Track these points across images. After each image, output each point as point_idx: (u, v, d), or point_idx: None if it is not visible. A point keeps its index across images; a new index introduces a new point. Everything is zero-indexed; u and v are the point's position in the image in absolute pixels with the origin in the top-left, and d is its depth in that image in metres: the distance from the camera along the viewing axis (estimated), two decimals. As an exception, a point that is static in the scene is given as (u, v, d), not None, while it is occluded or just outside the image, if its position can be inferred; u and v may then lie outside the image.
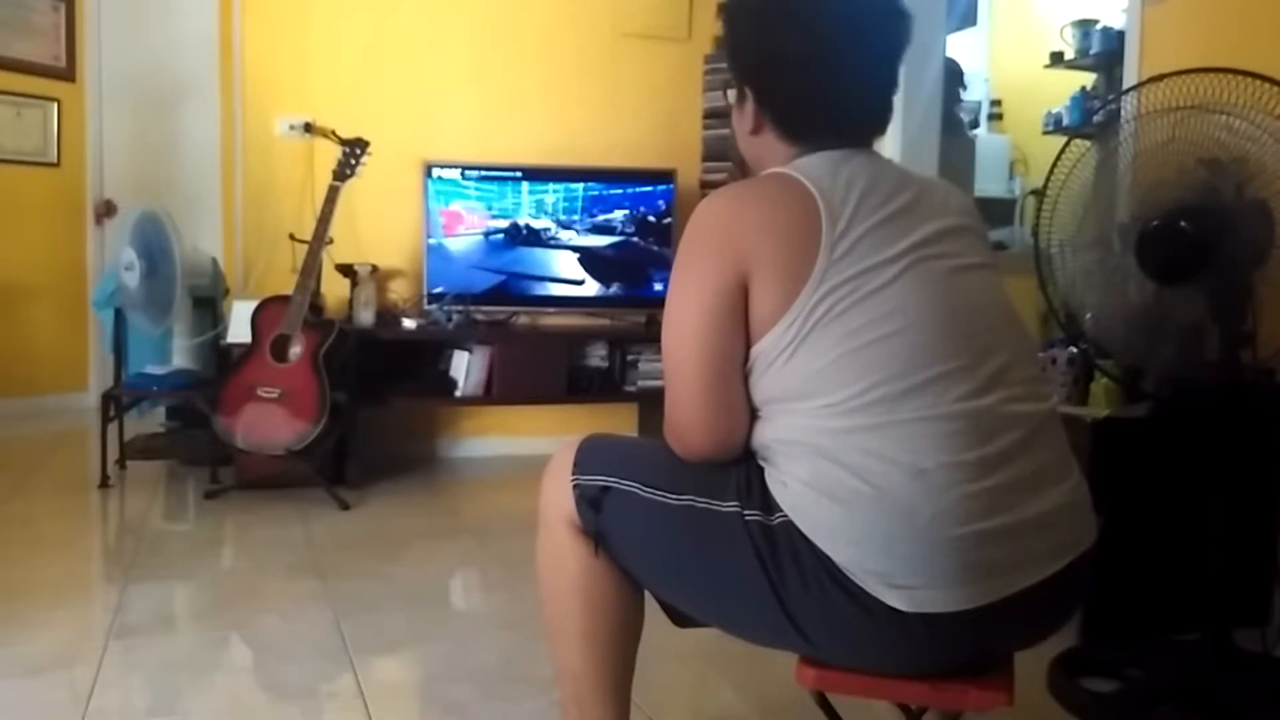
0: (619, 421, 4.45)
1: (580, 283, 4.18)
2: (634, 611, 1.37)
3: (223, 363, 3.71)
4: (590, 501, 1.31)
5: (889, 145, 3.45)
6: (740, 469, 1.24)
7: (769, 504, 1.19)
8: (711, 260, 1.21)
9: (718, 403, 1.22)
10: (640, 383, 4.19)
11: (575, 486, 1.32)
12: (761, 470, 1.22)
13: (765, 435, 1.22)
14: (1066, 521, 1.19)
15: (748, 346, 1.21)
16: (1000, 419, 1.16)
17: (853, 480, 1.12)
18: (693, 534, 1.23)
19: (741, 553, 1.19)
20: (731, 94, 1.38)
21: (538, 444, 4.09)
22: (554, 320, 4.23)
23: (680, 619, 1.40)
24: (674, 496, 1.25)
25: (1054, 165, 2.07)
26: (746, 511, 1.19)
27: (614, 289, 4.21)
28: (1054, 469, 1.19)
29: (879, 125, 1.34)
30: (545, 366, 4.00)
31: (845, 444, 1.14)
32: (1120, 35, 3.79)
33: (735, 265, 1.19)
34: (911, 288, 1.17)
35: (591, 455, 1.35)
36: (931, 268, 1.20)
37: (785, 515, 1.17)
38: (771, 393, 1.20)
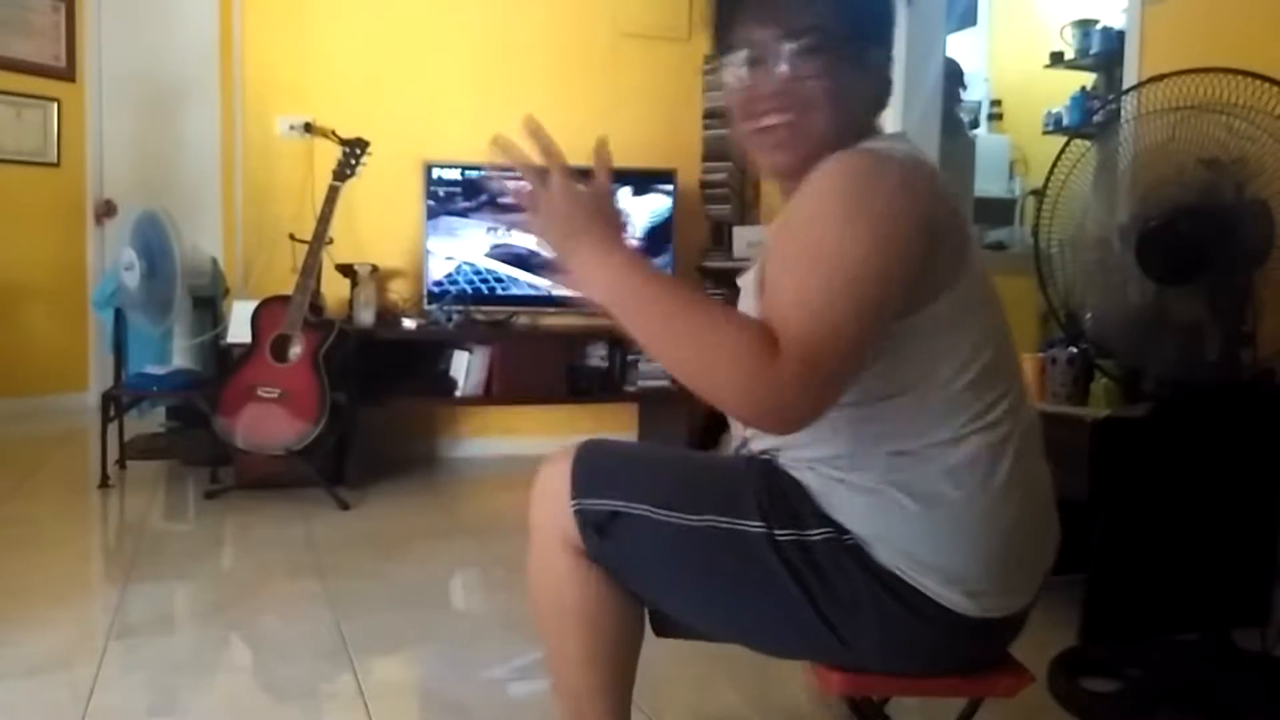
0: (619, 422, 4.45)
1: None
2: (636, 629, 1.30)
3: (223, 363, 3.71)
4: (596, 527, 1.21)
5: (889, 145, 3.44)
6: (751, 482, 1.18)
7: (801, 518, 1.14)
8: (906, 212, 1.05)
9: (861, 362, 1.03)
10: (640, 383, 4.20)
11: (578, 512, 1.21)
12: (783, 481, 1.17)
13: (853, 433, 1.12)
14: (1055, 517, 1.24)
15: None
16: (1031, 421, 1.19)
17: (938, 483, 1.10)
18: (716, 556, 1.16)
19: (774, 573, 1.14)
20: (828, 57, 1.16)
21: (538, 444, 4.09)
22: (554, 320, 4.23)
23: (663, 630, 1.36)
24: (693, 517, 1.17)
25: (1054, 165, 2.07)
26: (777, 531, 1.14)
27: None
28: (1044, 464, 1.23)
29: None
30: (545, 366, 4.00)
31: (940, 444, 1.10)
32: (1120, 35, 3.79)
33: (926, 227, 1.07)
34: (992, 293, 1.18)
35: (592, 475, 1.23)
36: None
37: (829, 529, 1.13)
38: (900, 378, 1.10)
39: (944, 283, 1.08)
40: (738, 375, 0.97)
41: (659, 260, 4.20)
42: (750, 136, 1.21)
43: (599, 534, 1.20)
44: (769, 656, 1.28)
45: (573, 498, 1.22)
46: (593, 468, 1.24)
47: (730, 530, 1.15)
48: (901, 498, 1.10)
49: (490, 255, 4.08)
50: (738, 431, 1.28)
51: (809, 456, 1.16)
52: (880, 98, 1.23)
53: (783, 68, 1.15)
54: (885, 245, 1.03)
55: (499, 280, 4.09)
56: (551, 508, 1.24)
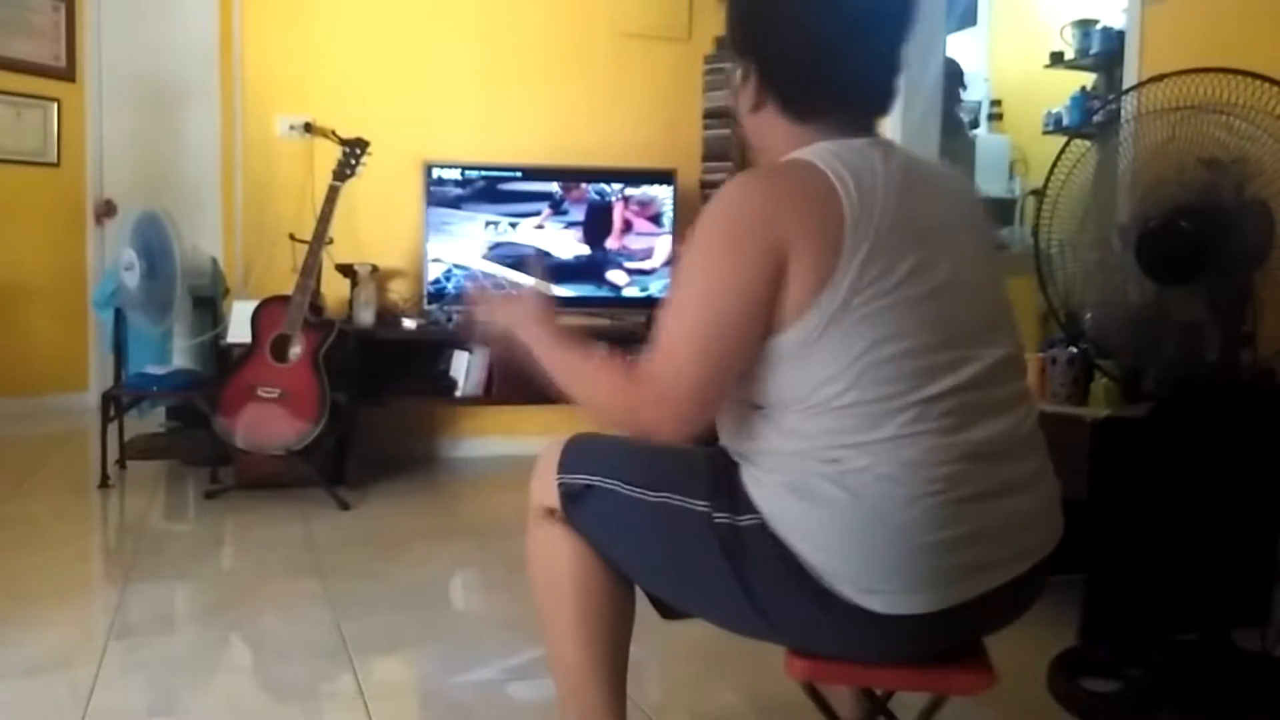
0: (619, 421, 4.45)
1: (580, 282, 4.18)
2: (625, 600, 1.39)
3: (223, 363, 3.71)
4: (572, 497, 1.35)
5: (889, 145, 3.44)
6: (714, 466, 1.28)
7: (738, 504, 1.22)
8: (745, 252, 1.17)
9: (715, 393, 1.20)
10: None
11: (560, 484, 1.36)
12: (736, 467, 1.25)
13: (751, 430, 1.23)
14: (1035, 527, 1.23)
15: (764, 338, 1.18)
16: (985, 436, 1.17)
17: (829, 487, 1.15)
18: (666, 530, 1.27)
19: (710, 551, 1.22)
20: (737, 72, 1.34)
21: (538, 444, 4.05)
22: (554, 320, 4.22)
23: (668, 613, 1.43)
24: (652, 494, 1.28)
25: (1054, 165, 2.07)
26: (716, 514, 1.23)
27: (614, 289, 4.21)
28: (1028, 477, 1.22)
29: (883, 106, 1.30)
30: (545, 366, 3.99)
31: (830, 451, 1.16)
32: (1120, 35, 3.79)
33: (772, 257, 1.15)
34: (920, 302, 1.16)
35: (577, 454, 1.39)
36: (939, 276, 1.18)
37: (757, 517, 1.20)
38: (782, 392, 1.19)
39: (796, 310, 1.15)
40: (610, 409, 1.26)
41: (661, 262, 4.21)
42: None
43: (573, 503, 1.35)
44: (730, 632, 1.34)
45: (558, 473, 1.38)
46: (579, 449, 1.40)
47: (680, 508, 1.26)
48: (793, 497, 1.17)
49: (488, 258, 4.08)
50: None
51: (739, 449, 1.27)
52: (787, 103, 1.28)
53: None
54: (729, 272, 1.17)
55: (499, 286, 4.09)
56: (545, 483, 1.40)
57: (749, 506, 1.21)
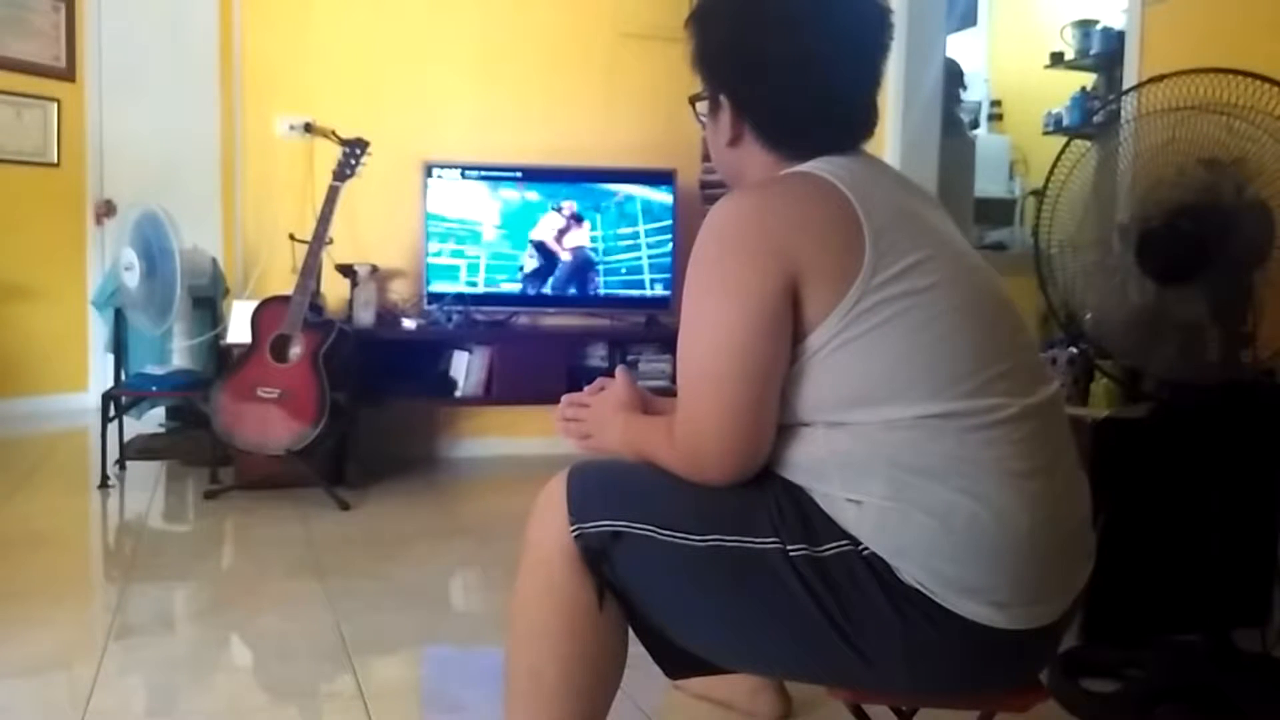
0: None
1: (580, 282, 4.18)
2: (619, 660, 1.27)
3: (223, 363, 3.71)
4: (598, 552, 1.19)
5: (889, 146, 3.45)
6: (766, 496, 1.15)
7: (812, 533, 1.11)
8: (750, 264, 1.10)
9: (754, 425, 1.11)
10: (640, 383, 4.17)
11: (579, 536, 1.19)
12: (798, 493, 1.14)
13: (815, 452, 1.13)
14: (1087, 541, 1.19)
15: (794, 357, 1.11)
16: (1048, 417, 1.14)
17: (948, 492, 1.06)
18: (726, 577, 1.14)
19: (790, 592, 1.11)
20: (703, 105, 1.30)
21: (538, 444, 4.09)
22: (554, 320, 4.23)
23: (675, 670, 1.33)
24: (697, 537, 1.14)
25: (1054, 165, 2.07)
26: (790, 547, 1.11)
27: (614, 289, 4.21)
28: (1074, 456, 1.19)
29: (866, 128, 1.26)
30: (545, 366, 4.00)
31: (929, 453, 1.07)
32: (1120, 35, 3.79)
33: (780, 267, 1.08)
34: (958, 285, 1.12)
35: (590, 495, 1.22)
36: (963, 264, 1.16)
37: (844, 542, 1.09)
38: (824, 399, 1.11)
39: (810, 325, 1.09)
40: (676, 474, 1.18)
41: (661, 262, 4.21)
42: None
43: (601, 556, 1.19)
44: (795, 681, 1.27)
45: (572, 523, 1.20)
46: (590, 489, 1.23)
47: (739, 548, 1.13)
48: (913, 512, 1.07)
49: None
50: None
51: (799, 468, 1.15)
52: (768, 133, 1.24)
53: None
54: (732, 299, 1.11)
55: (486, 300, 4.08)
56: (550, 528, 1.23)
57: (831, 532, 1.10)
